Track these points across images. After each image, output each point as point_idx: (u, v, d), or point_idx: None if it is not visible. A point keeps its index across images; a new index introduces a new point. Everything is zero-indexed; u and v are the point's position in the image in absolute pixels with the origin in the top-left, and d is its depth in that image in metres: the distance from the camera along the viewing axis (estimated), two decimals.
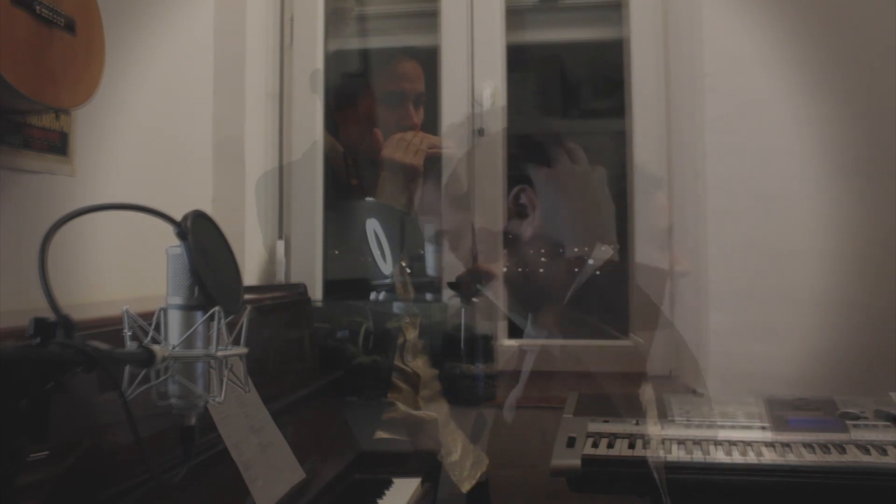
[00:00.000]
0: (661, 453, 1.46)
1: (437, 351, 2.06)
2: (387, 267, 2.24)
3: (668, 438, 1.54)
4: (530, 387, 2.03)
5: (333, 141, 2.28)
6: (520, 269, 1.91)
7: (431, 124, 2.25)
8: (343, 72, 2.36)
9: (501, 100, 2.19)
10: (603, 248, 1.78)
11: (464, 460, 1.88)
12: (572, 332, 1.95)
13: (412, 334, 2.01)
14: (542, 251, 1.78)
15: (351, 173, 2.27)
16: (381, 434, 1.88)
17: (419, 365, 1.98)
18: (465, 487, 1.83)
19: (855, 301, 1.90)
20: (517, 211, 1.92)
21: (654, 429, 1.56)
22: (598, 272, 1.80)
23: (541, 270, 1.82)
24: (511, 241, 1.94)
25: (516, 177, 2.22)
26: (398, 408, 1.90)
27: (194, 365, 0.86)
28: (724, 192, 1.96)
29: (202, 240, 0.86)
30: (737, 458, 1.46)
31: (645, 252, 1.94)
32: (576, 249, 1.82)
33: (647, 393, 1.73)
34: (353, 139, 2.28)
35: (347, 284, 2.27)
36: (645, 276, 1.92)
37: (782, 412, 1.64)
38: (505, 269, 2.16)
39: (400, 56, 2.31)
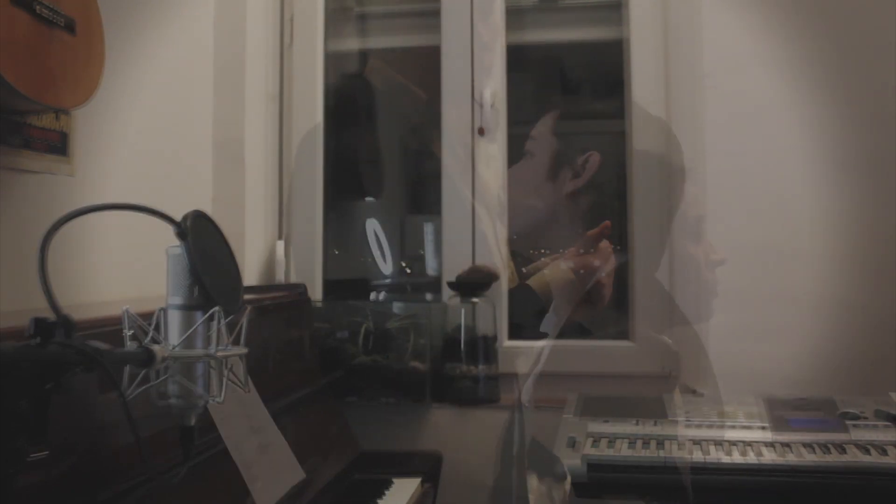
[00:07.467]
0: (689, 456, 1.46)
1: (437, 352, 2.06)
2: (387, 267, 2.24)
3: (667, 438, 1.54)
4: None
5: None
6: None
7: (432, 124, 2.24)
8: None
9: (501, 100, 2.19)
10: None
11: None
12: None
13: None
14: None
15: None
16: None
17: None
18: None
19: (855, 301, 1.90)
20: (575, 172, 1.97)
21: (682, 431, 1.56)
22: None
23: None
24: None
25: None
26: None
27: (194, 365, 0.86)
28: (724, 192, 1.96)
29: (202, 240, 0.86)
30: (737, 458, 1.46)
31: (679, 243, 1.93)
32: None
33: (677, 396, 1.72)
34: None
35: (347, 284, 2.27)
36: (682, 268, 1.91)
37: (782, 412, 1.64)
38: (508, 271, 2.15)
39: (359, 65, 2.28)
